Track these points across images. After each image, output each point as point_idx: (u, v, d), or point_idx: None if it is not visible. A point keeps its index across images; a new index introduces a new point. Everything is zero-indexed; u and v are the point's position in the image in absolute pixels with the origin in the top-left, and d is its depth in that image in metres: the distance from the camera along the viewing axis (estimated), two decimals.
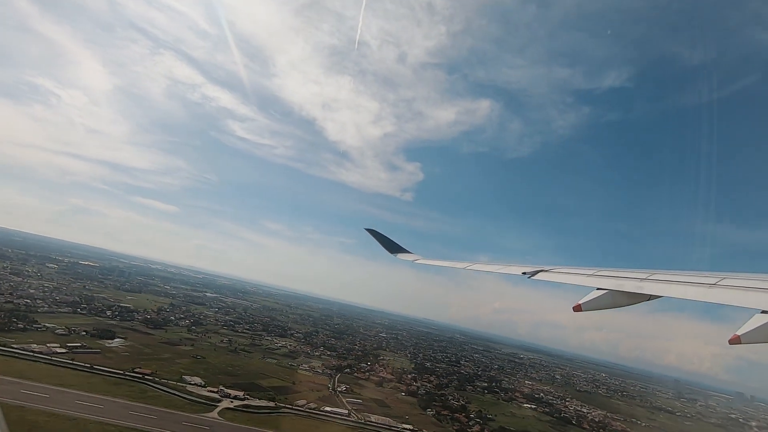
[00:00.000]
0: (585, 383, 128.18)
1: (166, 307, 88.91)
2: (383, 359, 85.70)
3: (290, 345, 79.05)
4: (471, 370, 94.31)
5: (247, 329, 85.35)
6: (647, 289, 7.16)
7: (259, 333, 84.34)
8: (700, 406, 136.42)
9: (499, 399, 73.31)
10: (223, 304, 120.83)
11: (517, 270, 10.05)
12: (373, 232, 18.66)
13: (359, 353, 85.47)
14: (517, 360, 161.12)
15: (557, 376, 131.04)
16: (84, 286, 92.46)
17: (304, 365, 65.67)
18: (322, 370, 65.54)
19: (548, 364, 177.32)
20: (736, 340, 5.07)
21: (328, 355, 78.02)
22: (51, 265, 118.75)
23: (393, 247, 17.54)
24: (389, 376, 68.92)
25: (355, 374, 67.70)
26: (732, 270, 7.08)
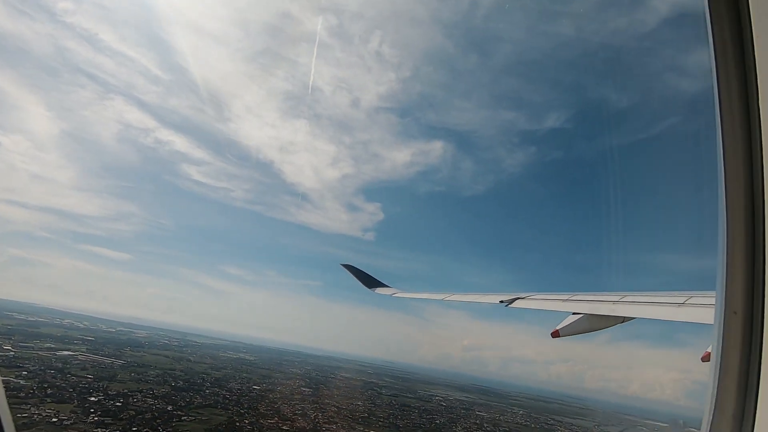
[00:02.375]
0: (469, 424, 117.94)
1: None
2: (161, 421, 74.89)
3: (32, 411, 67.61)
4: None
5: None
6: (620, 311, 7.41)
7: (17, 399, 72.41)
8: None
9: None
10: (58, 365, 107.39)
11: (495, 299, 10.14)
12: (350, 267, 18.01)
13: (142, 414, 74.30)
14: (411, 403, 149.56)
15: (439, 420, 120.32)
16: None
17: None
18: None
19: (455, 405, 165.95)
20: (707, 357, 5.03)
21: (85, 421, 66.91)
22: None
23: (370, 282, 17.07)
24: None
25: None
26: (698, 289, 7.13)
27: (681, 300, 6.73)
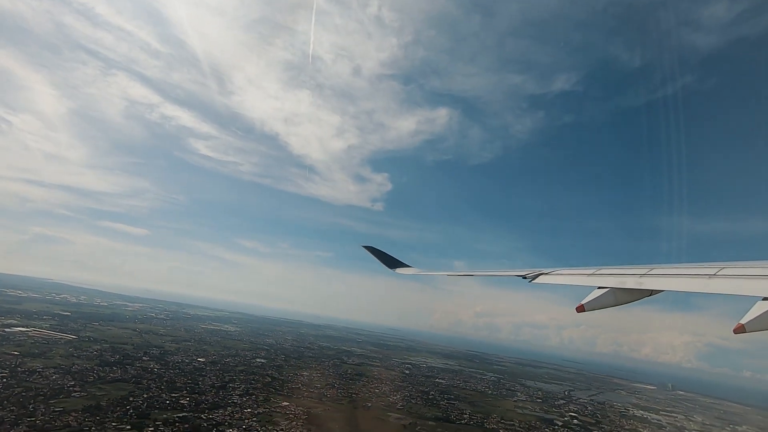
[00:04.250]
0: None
1: None
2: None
3: None
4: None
5: None
6: (648, 284, 7.13)
7: None
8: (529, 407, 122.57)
9: None
10: None
11: (517, 273, 9.90)
12: (371, 249, 17.98)
13: (27, 391, 73.19)
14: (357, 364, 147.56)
15: (381, 389, 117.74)
16: None
17: None
18: None
19: (420, 373, 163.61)
20: (740, 329, 5.02)
21: None
22: None
23: (391, 263, 17.05)
24: None
25: None
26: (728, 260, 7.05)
27: (712, 271, 6.43)
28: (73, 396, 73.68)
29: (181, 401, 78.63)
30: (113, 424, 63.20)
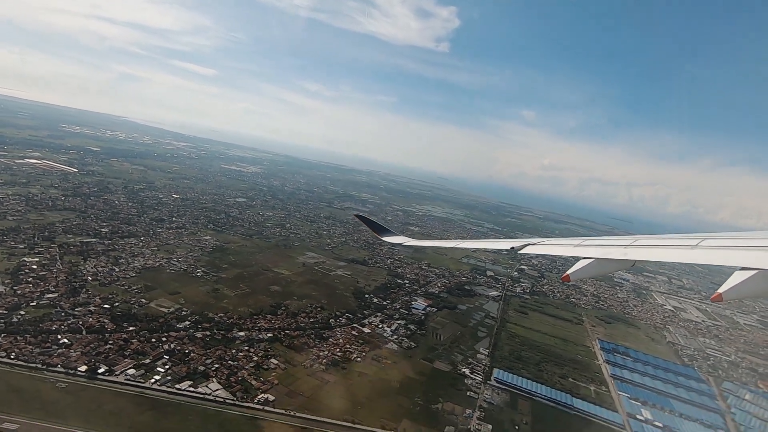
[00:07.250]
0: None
1: None
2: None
3: None
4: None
5: None
6: (631, 255, 7.60)
7: None
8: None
9: None
10: None
11: (506, 245, 10.65)
12: (361, 218, 20.14)
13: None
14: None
15: (338, 231, 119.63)
16: None
17: None
18: None
19: (405, 219, 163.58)
20: (718, 298, 5.33)
21: None
22: None
23: (380, 230, 18.34)
24: None
25: None
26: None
27: (693, 242, 6.91)
28: (7, 219, 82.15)
29: (103, 230, 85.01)
30: (11, 243, 70.03)
